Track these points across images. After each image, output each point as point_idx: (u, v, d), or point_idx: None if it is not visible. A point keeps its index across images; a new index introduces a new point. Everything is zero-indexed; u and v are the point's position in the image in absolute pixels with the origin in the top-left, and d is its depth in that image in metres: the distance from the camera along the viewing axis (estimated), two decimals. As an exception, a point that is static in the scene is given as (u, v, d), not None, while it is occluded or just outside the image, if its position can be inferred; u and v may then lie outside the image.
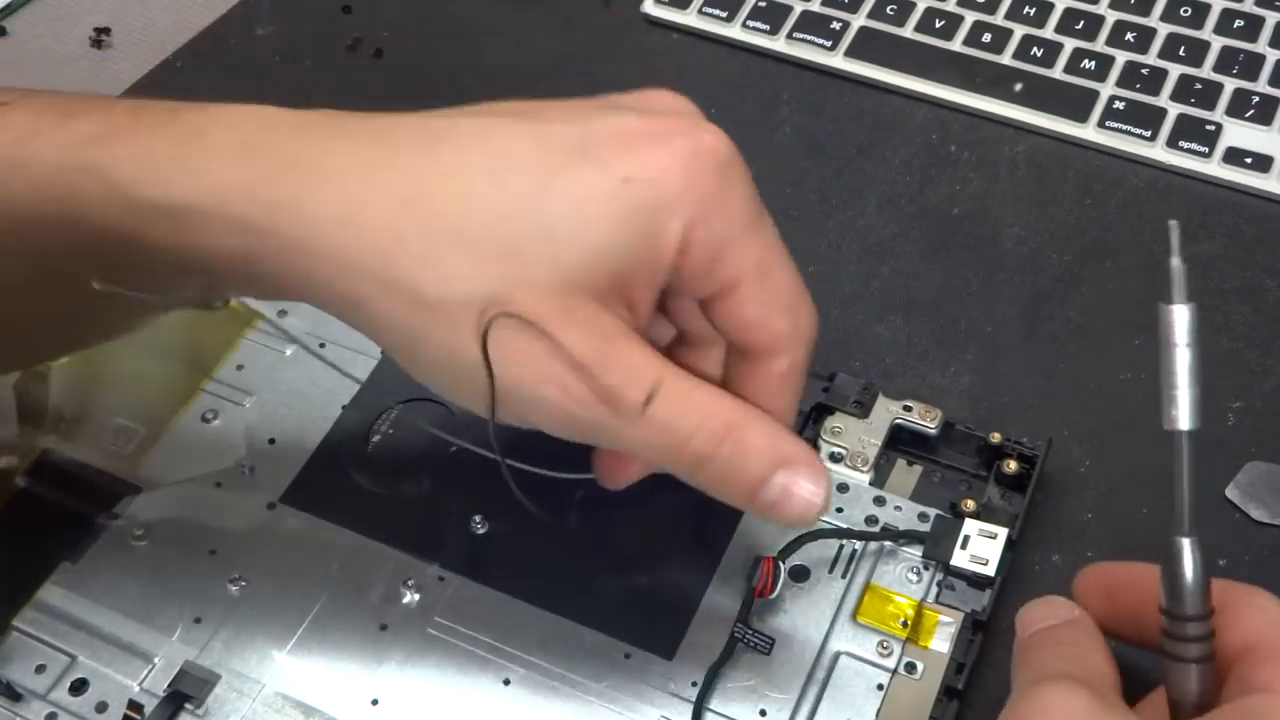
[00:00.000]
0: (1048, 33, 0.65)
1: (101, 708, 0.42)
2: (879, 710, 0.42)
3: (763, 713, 0.42)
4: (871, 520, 0.46)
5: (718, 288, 0.37)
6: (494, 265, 0.34)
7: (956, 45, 0.65)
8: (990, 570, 0.44)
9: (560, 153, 0.35)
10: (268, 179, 0.34)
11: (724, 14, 0.67)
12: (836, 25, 0.66)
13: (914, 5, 0.67)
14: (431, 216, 0.34)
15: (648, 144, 0.35)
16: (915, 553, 0.45)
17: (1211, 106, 0.61)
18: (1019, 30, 0.65)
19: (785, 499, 0.37)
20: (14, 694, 0.42)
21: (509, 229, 0.34)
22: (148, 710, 0.42)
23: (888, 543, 0.46)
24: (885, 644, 0.43)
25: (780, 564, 0.43)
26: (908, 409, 0.49)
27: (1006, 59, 0.64)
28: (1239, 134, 0.61)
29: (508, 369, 0.34)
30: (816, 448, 0.48)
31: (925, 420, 0.48)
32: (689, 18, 0.67)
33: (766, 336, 0.38)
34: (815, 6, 0.67)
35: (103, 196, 0.35)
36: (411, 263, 0.34)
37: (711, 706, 0.42)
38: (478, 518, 0.46)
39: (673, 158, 0.35)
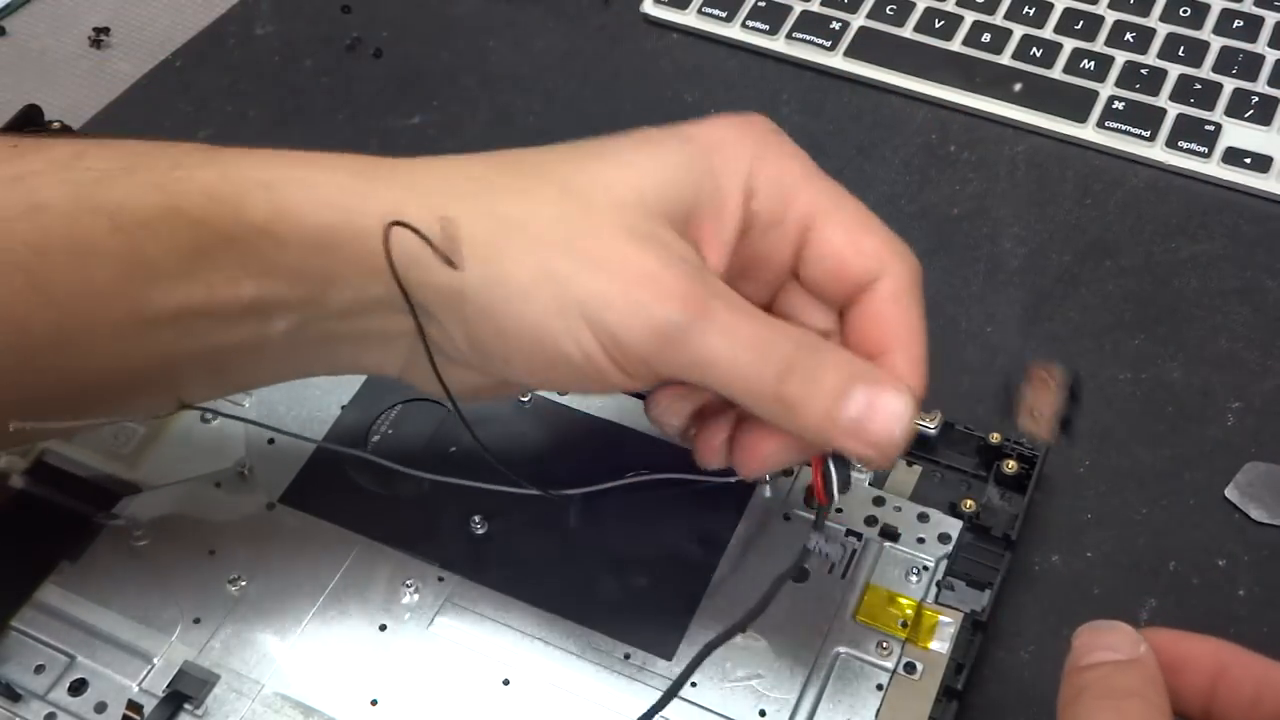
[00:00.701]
0: (1047, 33, 0.65)
1: (101, 708, 0.42)
2: (879, 710, 0.42)
3: (762, 713, 0.42)
4: (871, 520, 0.46)
5: (797, 232, 0.37)
6: (574, 197, 0.36)
7: (956, 45, 0.65)
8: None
9: (636, 135, 0.38)
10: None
11: (723, 14, 0.67)
12: (836, 25, 0.66)
13: (914, 5, 0.67)
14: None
15: (704, 121, 0.38)
16: (916, 553, 0.45)
17: (1211, 106, 0.62)
18: (1018, 30, 0.65)
19: (869, 416, 0.35)
20: (13, 694, 0.42)
21: (585, 175, 0.37)
22: (147, 710, 0.42)
23: (889, 542, 0.46)
24: (885, 644, 0.43)
25: (830, 462, 0.38)
26: (907, 409, 0.49)
27: (1006, 59, 0.64)
28: (1238, 134, 0.61)
29: (594, 277, 0.35)
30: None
31: (925, 420, 0.48)
32: (689, 18, 0.67)
33: (860, 260, 0.37)
34: (815, 6, 0.67)
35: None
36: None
37: (711, 706, 0.42)
38: (477, 518, 0.46)
39: (728, 123, 0.38)
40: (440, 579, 0.45)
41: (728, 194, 0.37)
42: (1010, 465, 0.47)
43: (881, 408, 0.35)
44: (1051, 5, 0.66)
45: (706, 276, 0.35)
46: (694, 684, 0.42)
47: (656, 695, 0.42)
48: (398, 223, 0.35)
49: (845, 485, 0.38)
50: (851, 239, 0.38)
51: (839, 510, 0.46)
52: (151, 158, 0.37)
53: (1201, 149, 0.60)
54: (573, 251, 0.35)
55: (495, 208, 0.36)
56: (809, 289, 0.39)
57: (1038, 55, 0.64)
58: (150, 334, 0.37)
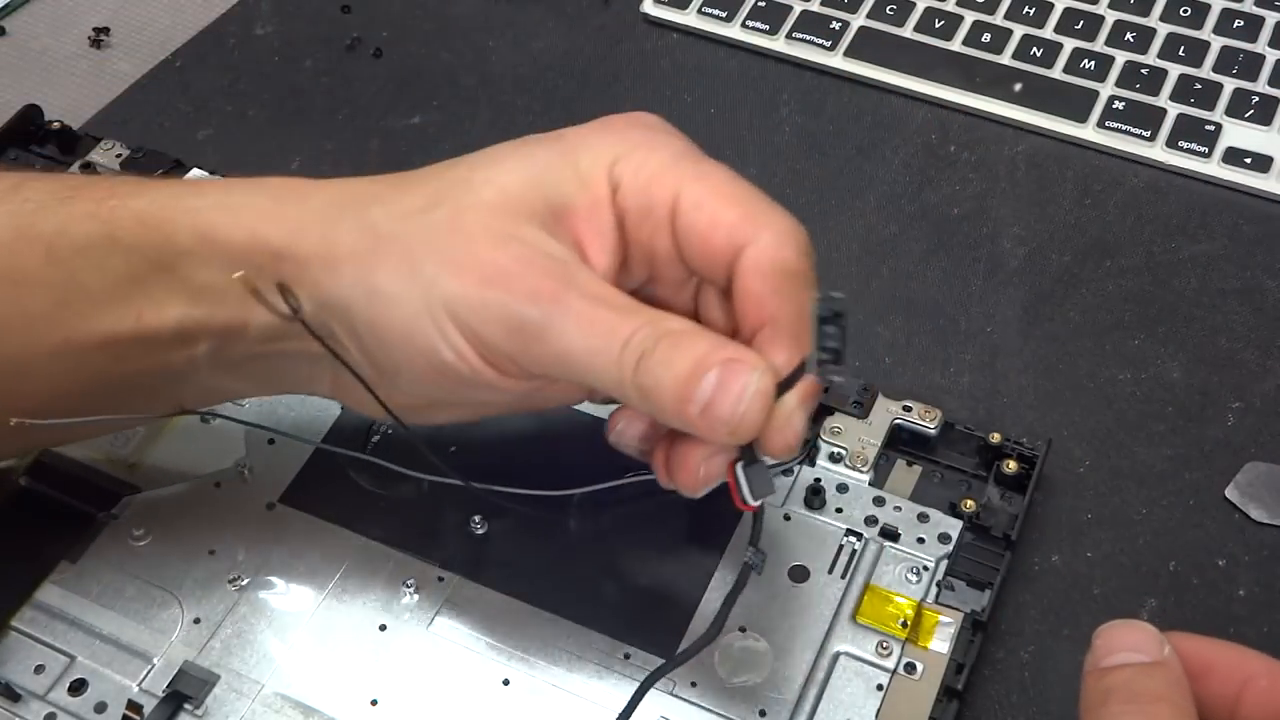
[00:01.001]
0: (1047, 33, 0.65)
1: (100, 708, 0.42)
2: (879, 710, 0.42)
3: (762, 713, 0.42)
4: (871, 520, 0.46)
5: (667, 218, 0.37)
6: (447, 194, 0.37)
7: (956, 45, 0.65)
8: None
9: (517, 141, 0.39)
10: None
11: (723, 14, 0.67)
12: (836, 25, 0.66)
13: (914, 5, 0.67)
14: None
15: (588, 123, 0.39)
16: (916, 553, 0.45)
17: (1211, 106, 0.61)
18: (1019, 30, 0.65)
19: (718, 395, 0.34)
20: (13, 694, 0.42)
21: (456, 174, 0.38)
22: (147, 710, 0.42)
23: (889, 542, 0.46)
24: (885, 644, 0.43)
25: (737, 466, 0.37)
26: (907, 409, 0.49)
27: (1006, 59, 0.64)
28: (1239, 134, 0.61)
29: (455, 278, 0.36)
30: (816, 448, 0.48)
31: (925, 420, 0.48)
32: (688, 17, 0.67)
33: (720, 233, 0.37)
34: (815, 6, 0.67)
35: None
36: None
37: (711, 706, 0.42)
38: (477, 518, 0.46)
39: (602, 122, 0.39)
40: (440, 579, 0.45)
41: (594, 191, 0.37)
42: (1010, 465, 0.47)
43: (730, 385, 0.34)
44: (1051, 5, 0.66)
45: (569, 271, 0.36)
46: (694, 684, 0.42)
47: (656, 695, 0.42)
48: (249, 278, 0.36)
49: (765, 487, 0.37)
50: (708, 214, 0.37)
51: (839, 510, 0.46)
52: (87, 188, 0.39)
53: (1202, 149, 0.60)
54: (438, 255, 0.36)
55: (373, 219, 0.37)
56: (698, 276, 0.39)
57: (1038, 55, 0.64)
58: (82, 360, 0.39)
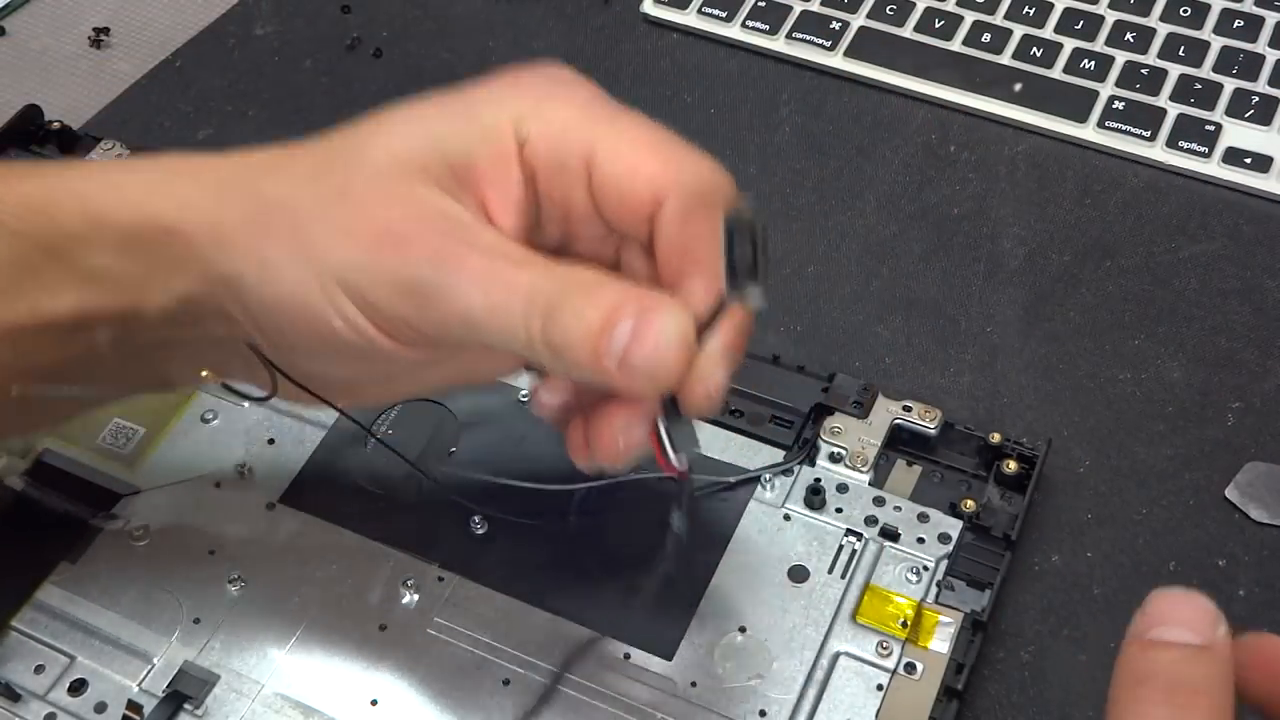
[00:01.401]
0: (1047, 33, 0.65)
1: (100, 708, 0.42)
2: (879, 710, 0.42)
3: (762, 713, 0.42)
4: (871, 520, 0.46)
5: (581, 171, 0.35)
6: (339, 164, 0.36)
7: (956, 45, 0.65)
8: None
9: (416, 101, 0.37)
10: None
11: (723, 14, 0.67)
12: (836, 25, 0.66)
13: (913, 5, 0.67)
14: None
15: (492, 78, 0.37)
16: (916, 553, 0.45)
17: (1211, 106, 0.61)
18: (1018, 30, 0.65)
19: (635, 342, 0.32)
20: (13, 694, 0.42)
21: (348, 138, 0.36)
22: (147, 710, 0.42)
23: (889, 542, 0.46)
24: (885, 644, 0.43)
25: (661, 427, 0.35)
26: (907, 409, 0.49)
27: (1006, 59, 0.64)
28: (1239, 134, 0.61)
29: (344, 243, 0.34)
30: (816, 448, 0.48)
31: (925, 420, 0.48)
32: (688, 17, 0.67)
33: (638, 183, 0.34)
34: (815, 6, 0.67)
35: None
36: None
37: (711, 706, 0.42)
38: (477, 518, 0.46)
39: (506, 76, 0.36)
40: (440, 579, 0.45)
41: (500, 146, 0.35)
42: (1010, 465, 0.47)
43: (645, 332, 0.32)
44: (1051, 5, 0.66)
45: (467, 229, 0.34)
46: (694, 684, 0.42)
47: (656, 695, 0.42)
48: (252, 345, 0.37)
49: (689, 443, 0.35)
50: (627, 164, 0.35)
51: (839, 510, 0.46)
52: None
53: (1201, 149, 0.60)
54: (327, 221, 0.34)
55: (261, 189, 0.36)
56: (618, 232, 0.36)
57: (1038, 55, 0.64)
58: None
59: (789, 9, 0.67)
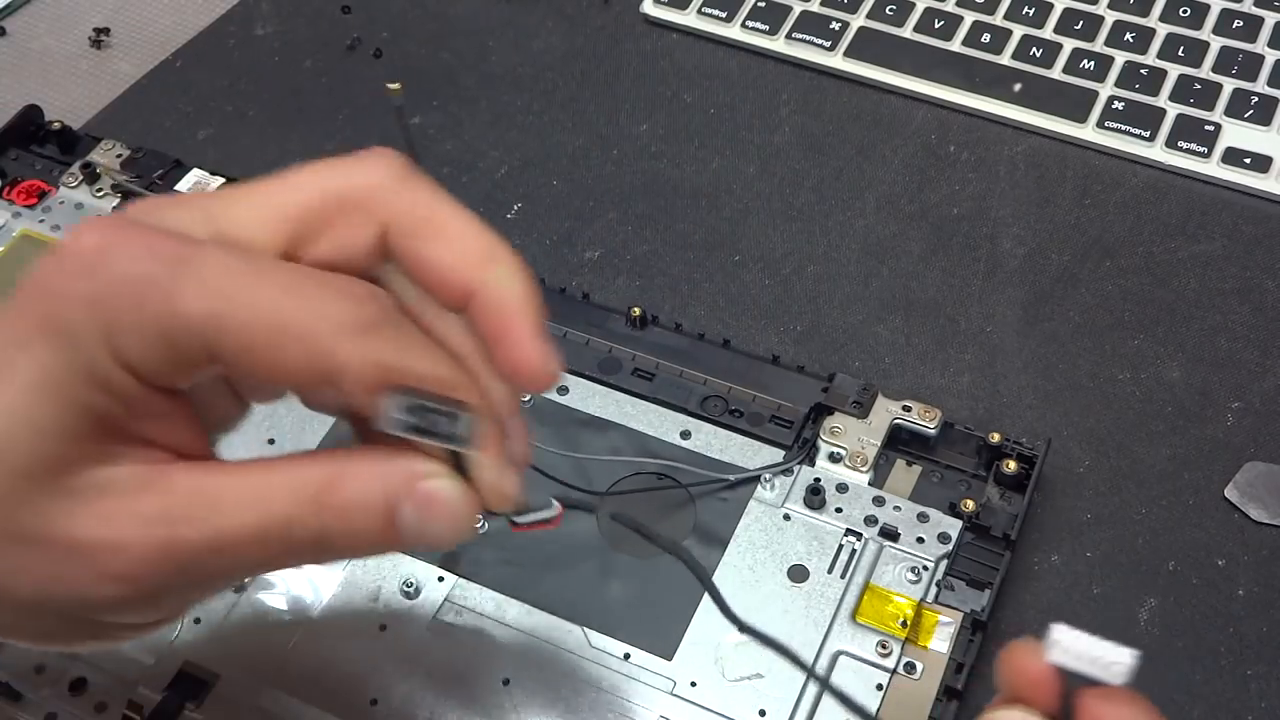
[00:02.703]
0: (1047, 33, 0.65)
1: (101, 708, 0.42)
2: (879, 710, 0.42)
3: (762, 713, 0.42)
4: (871, 520, 0.46)
5: (213, 366, 0.29)
6: None
7: (956, 45, 0.65)
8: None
9: None
10: None
11: (723, 14, 0.67)
12: (836, 25, 0.66)
13: (913, 5, 0.67)
14: None
15: (25, 294, 0.30)
16: (916, 553, 0.45)
17: (1210, 107, 0.62)
18: (1018, 30, 0.65)
19: (427, 511, 0.30)
20: (13, 694, 0.42)
21: None
22: (147, 710, 0.42)
23: (889, 542, 0.46)
24: (885, 644, 0.43)
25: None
26: (907, 409, 0.49)
27: (1006, 59, 0.64)
28: (1238, 134, 0.61)
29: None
30: (816, 448, 0.48)
31: (925, 420, 0.48)
32: (688, 18, 0.67)
33: (281, 375, 0.29)
34: (814, 6, 0.67)
35: None
36: None
37: (711, 706, 0.42)
38: (478, 517, 0.46)
39: (43, 294, 0.29)
40: (440, 579, 0.45)
41: (117, 390, 0.29)
42: (1010, 465, 0.47)
43: (439, 497, 0.30)
44: (1051, 5, 0.66)
45: (153, 505, 0.29)
46: (694, 684, 0.42)
47: (656, 695, 0.42)
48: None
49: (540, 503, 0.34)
50: (269, 366, 0.29)
51: (838, 510, 0.46)
52: None
53: (1201, 149, 0.60)
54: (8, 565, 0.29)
55: None
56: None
57: (1038, 55, 0.64)
58: None
59: (789, 9, 0.67)
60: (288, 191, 0.31)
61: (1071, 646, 0.31)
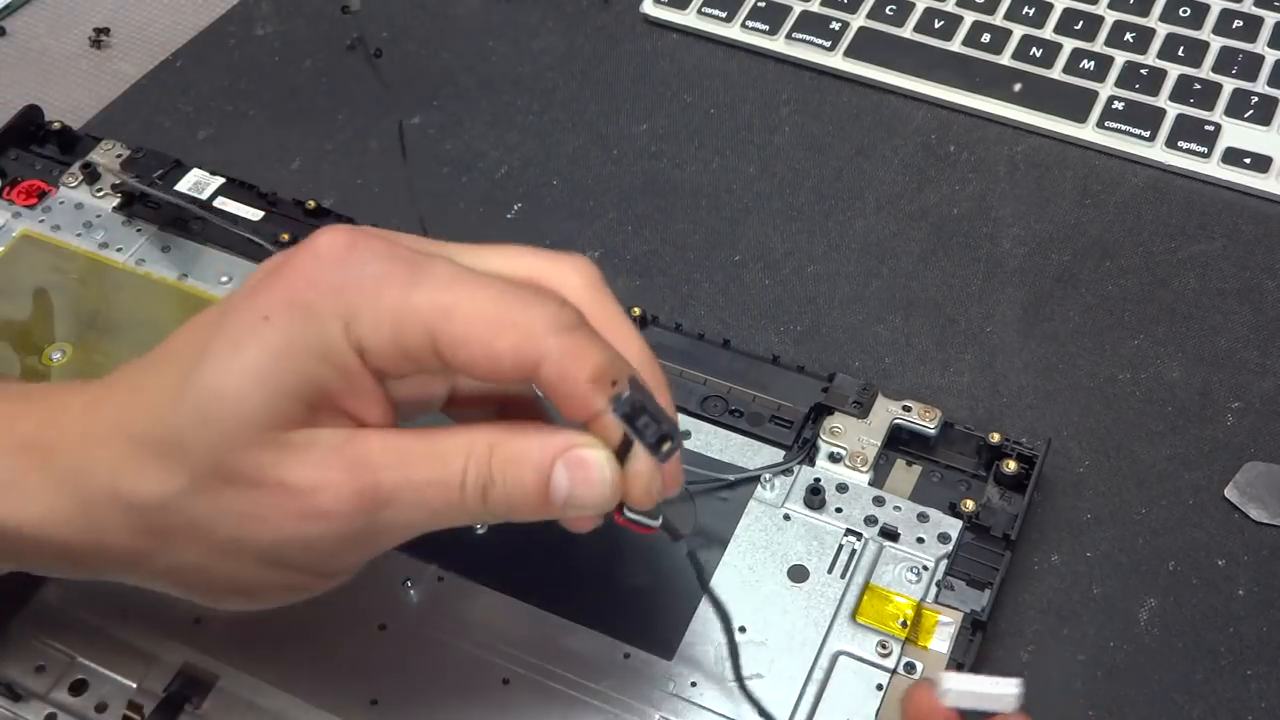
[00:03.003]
0: (1047, 33, 0.65)
1: (101, 708, 0.42)
2: (878, 710, 0.42)
3: (763, 713, 0.42)
4: (871, 520, 0.46)
5: (430, 357, 0.34)
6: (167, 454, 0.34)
7: (956, 45, 0.65)
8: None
9: (207, 326, 0.35)
10: None
11: (723, 14, 0.67)
12: (836, 25, 0.66)
13: (913, 5, 0.67)
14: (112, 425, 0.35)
15: (273, 278, 0.34)
16: (916, 553, 0.45)
17: (1210, 107, 0.62)
18: (1018, 30, 0.65)
19: (578, 487, 0.34)
20: (14, 694, 0.42)
21: (189, 408, 0.34)
22: (147, 711, 0.42)
23: (889, 542, 0.46)
24: (884, 644, 0.43)
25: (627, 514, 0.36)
26: (907, 409, 0.49)
27: (1006, 59, 0.64)
28: (1238, 134, 0.61)
29: (257, 534, 0.34)
30: (816, 448, 0.48)
31: (924, 420, 0.48)
32: (688, 18, 0.68)
33: (499, 365, 0.33)
34: (814, 6, 0.67)
35: None
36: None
37: (711, 706, 0.42)
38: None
39: (295, 274, 0.34)
40: (440, 579, 0.45)
41: (344, 362, 0.34)
42: (1010, 465, 0.47)
43: (581, 474, 0.34)
44: (1051, 5, 0.66)
45: (358, 455, 0.34)
46: (694, 684, 0.42)
47: (656, 695, 0.42)
48: None
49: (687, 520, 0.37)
50: (481, 350, 0.33)
51: (838, 510, 0.46)
52: None
53: (1201, 149, 0.60)
54: (228, 517, 0.34)
55: (120, 490, 0.35)
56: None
57: (1038, 55, 0.64)
58: None
59: (789, 9, 0.67)
60: (500, 258, 0.36)
61: (963, 689, 0.35)
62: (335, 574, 0.37)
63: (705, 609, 0.44)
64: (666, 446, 0.34)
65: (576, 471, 0.34)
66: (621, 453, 0.34)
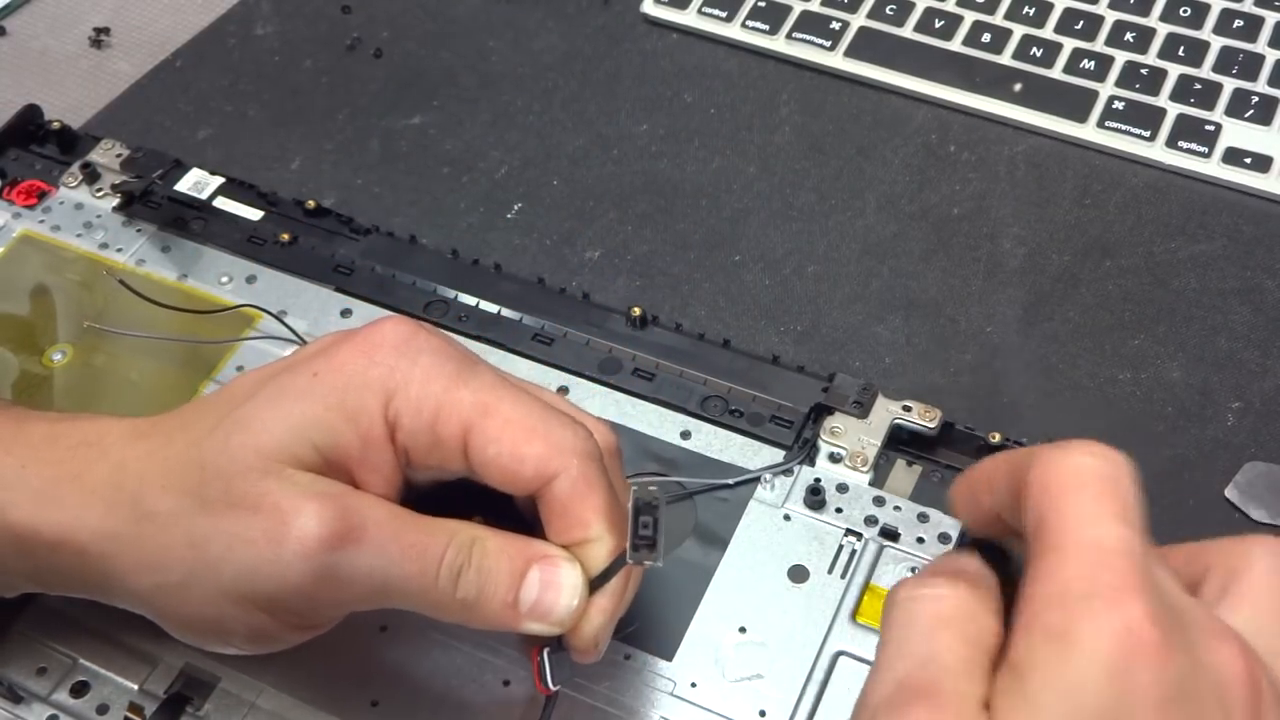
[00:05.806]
0: (1047, 33, 0.65)
1: (103, 710, 0.42)
2: (879, 711, 0.42)
3: (762, 713, 0.42)
4: (871, 520, 0.46)
5: (458, 448, 0.37)
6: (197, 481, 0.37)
7: (956, 45, 0.65)
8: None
9: (271, 370, 0.38)
10: None
11: (723, 14, 0.67)
12: (836, 25, 0.66)
13: (913, 5, 0.67)
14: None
15: (334, 348, 0.38)
16: (916, 553, 0.45)
17: (1211, 106, 0.62)
18: (1018, 30, 0.65)
19: (546, 592, 0.36)
20: (16, 696, 0.42)
21: (218, 439, 0.37)
22: (148, 712, 0.42)
23: (889, 542, 0.46)
24: (885, 644, 0.43)
25: (545, 655, 0.38)
26: (907, 409, 0.49)
27: (1006, 59, 0.64)
28: (1238, 134, 0.61)
29: (241, 560, 0.36)
30: (816, 448, 0.48)
31: (924, 420, 0.48)
32: (688, 17, 0.68)
33: (521, 467, 0.37)
34: (815, 6, 0.67)
35: None
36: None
37: (711, 706, 0.42)
38: (477, 518, 0.46)
39: (353, 347, 0.37)
40: (441, 579, 0.45)
41: (372, 431, 0.37)
42: (1010, 465, 0.47)
43: (553, 581, 0.36)
44: (1051, 5, 0.66)
45: (351, 502, 0.36)
46: (694, 684, 0.42)
47: (656, 695, 0.42)
48: None
49: (566, 675, 0.38)
50: (509, 450, 0.37)
51: (838, 510, 0.46)
52: None
53: (1201, 149, 0.60)
54: (220, 532, 0.36)
55: (144, 501, 0.37)
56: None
57: (1038, 55, 0.64)
58: None
59: (789, 9, 0.67)
60: (536, 388, 0.40)
61: None
62: (304, 622, 0.38)
63: (705, 610, 0.44)
64: (645, 553, 0.35)
65: (549, 577, 0.36)
66: (594, 584, 0.36)
